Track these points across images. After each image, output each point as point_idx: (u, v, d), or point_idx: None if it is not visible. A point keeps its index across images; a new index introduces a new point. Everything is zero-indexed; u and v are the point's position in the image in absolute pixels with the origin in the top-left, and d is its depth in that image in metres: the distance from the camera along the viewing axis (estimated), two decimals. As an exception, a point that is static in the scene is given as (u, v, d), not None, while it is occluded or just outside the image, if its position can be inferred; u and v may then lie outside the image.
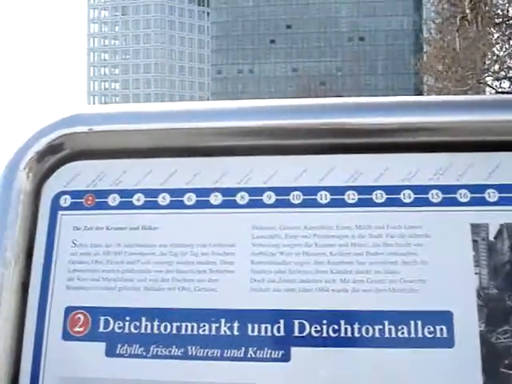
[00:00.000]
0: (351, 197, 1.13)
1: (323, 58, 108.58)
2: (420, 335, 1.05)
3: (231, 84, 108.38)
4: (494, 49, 23.47)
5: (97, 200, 1.19)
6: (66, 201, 1.20)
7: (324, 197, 1.14)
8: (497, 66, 23.29)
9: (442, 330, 1.05)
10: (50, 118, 1.26)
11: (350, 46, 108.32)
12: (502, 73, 23.17)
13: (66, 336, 1.12)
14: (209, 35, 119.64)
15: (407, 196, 1.12)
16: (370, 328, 1.06)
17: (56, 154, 1.22)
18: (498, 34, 23.32)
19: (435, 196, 1.12)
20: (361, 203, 1.13)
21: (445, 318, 1.06)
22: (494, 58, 23.38)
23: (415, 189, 1.13)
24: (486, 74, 23.47)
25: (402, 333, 1.06)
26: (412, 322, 1.06)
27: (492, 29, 23.29)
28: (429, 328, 1.05)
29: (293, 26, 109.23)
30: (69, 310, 1.14)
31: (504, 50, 23.15)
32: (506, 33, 22.92)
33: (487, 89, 23.58)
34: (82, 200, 1.20)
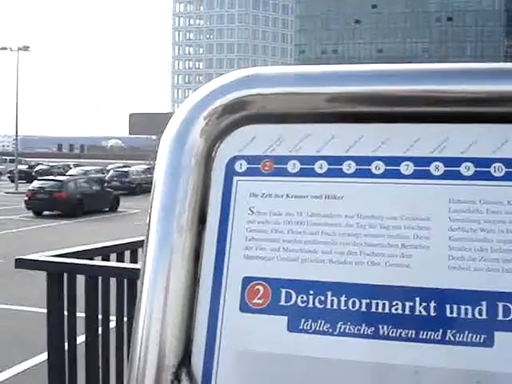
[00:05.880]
0: None
1: (409, 38, 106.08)
2: None
3: (314, 64, 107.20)
4: None
5: (275, 166, 1.12)
6: (241, 166, 1.14)
7: None
8: None
9: None
10: (223, 78, 1.19)
11: (438, 26, 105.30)
12: None
13: (244, 308, 1.06)
14: (293, 15, 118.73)
15: None
16: None
17: (230, 116, 1.15)
18: None
19: None
20: None
21: None
22: None
23: None
24: None
25: None
26: None
27: None
28: None
29: (378, 6, 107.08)
30: (247, 281, 1.07)
31: None
32: None
33: None
34: (259, 165, 1.13)
